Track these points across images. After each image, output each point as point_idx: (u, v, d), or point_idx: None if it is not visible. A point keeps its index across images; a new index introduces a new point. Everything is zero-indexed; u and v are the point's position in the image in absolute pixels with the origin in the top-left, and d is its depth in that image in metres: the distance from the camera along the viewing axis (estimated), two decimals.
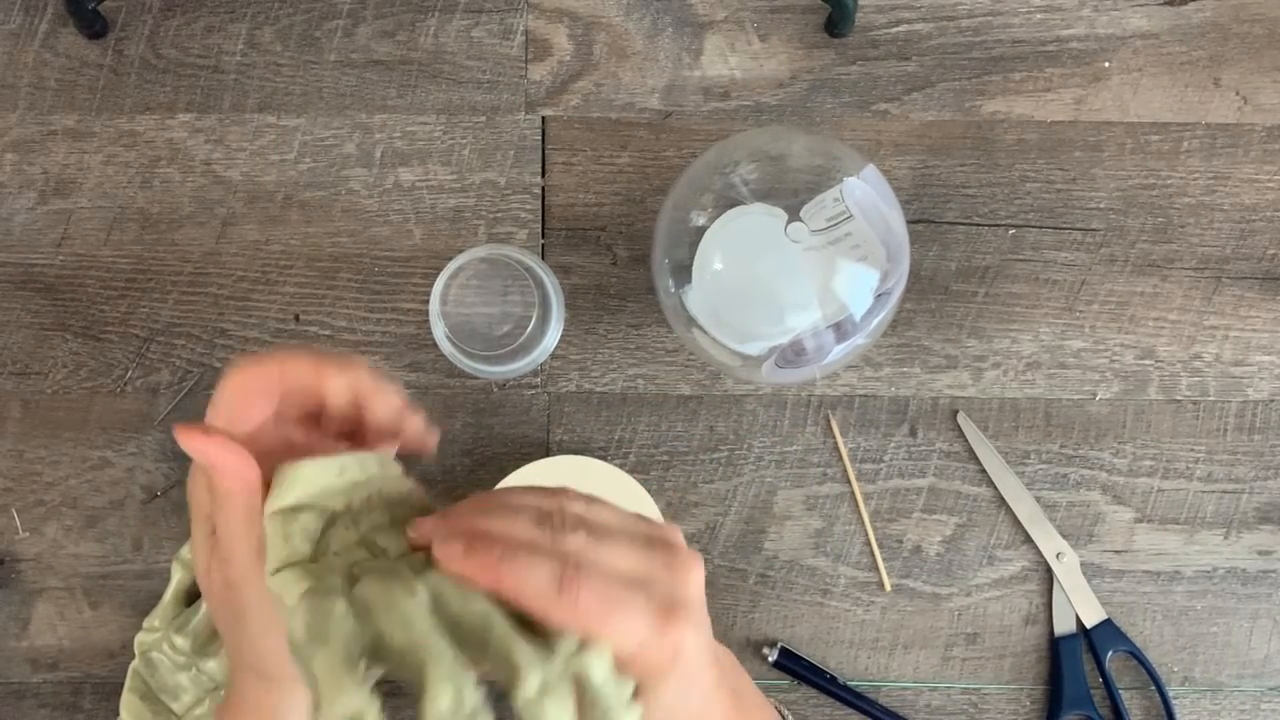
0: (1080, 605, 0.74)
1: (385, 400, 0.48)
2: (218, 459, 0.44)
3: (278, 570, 0.45)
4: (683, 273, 0.66)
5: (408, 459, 0.49)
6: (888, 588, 0.75)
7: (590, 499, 0.47)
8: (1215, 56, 0.76)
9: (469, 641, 0.44)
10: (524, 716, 0.44)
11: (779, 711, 0.59)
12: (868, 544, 0.75)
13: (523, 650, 0.43)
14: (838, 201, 0.64)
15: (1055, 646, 0.74)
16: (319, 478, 0.46)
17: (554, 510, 0.46)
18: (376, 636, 0.44)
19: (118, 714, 0.71)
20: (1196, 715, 0.75)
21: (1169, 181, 0.76)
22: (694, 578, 0.46)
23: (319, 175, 0.74)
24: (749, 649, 0.74)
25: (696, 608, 0.46)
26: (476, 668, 0.44)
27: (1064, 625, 0.74)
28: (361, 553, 0.47)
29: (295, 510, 0.45)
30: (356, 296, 0.74)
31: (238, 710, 0.50)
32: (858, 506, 0.74)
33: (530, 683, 0.43)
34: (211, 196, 0.74)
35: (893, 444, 0.75)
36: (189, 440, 0.44)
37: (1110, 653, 0.74)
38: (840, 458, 0.74)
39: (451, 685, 0.43)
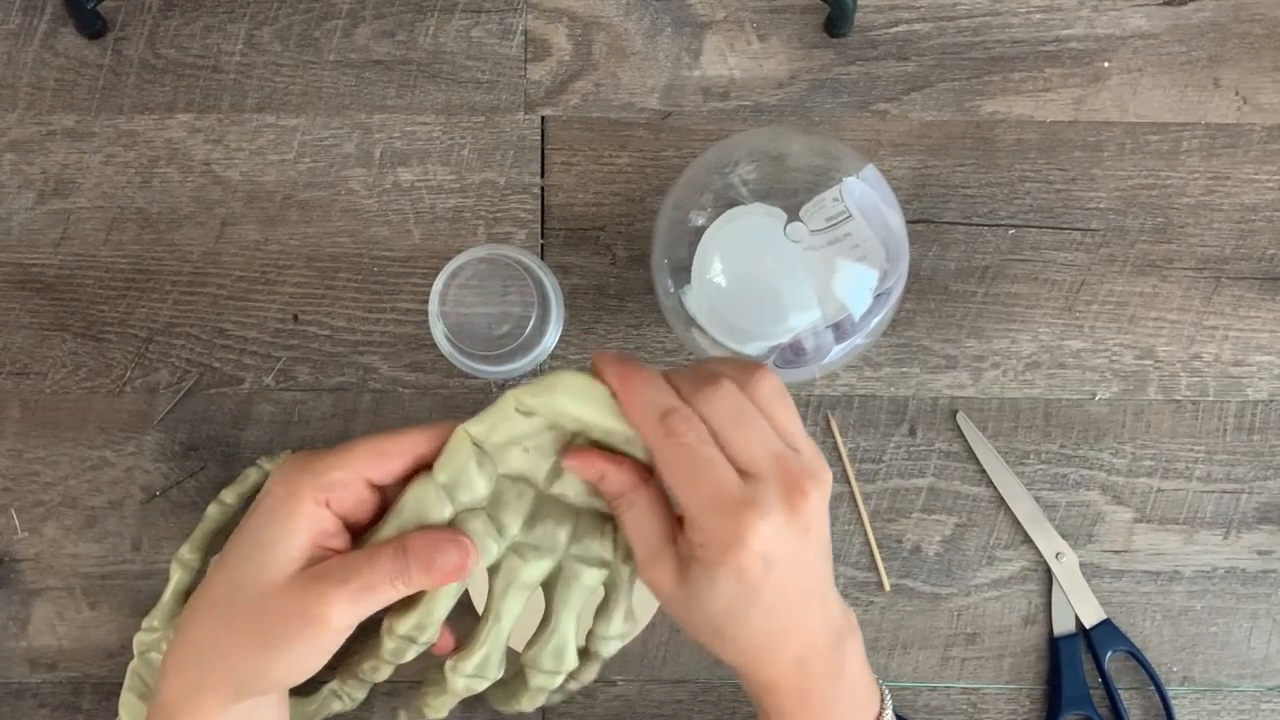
0: (1079, 605, 0.74)
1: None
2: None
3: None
4: (682, 273, 0.66)
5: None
6: (887, 587, 0.75)
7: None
8: (1215, 56, 0.76)
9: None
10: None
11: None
12: (867, 544, 0.75)
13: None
14: (837, 201, 0.64)
15: (1055, 646, 0.74)
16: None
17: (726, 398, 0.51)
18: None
19: (117, 714, 0.71)
20: (1196, 715, 0.75)
21: (1169, 181, 0.76)
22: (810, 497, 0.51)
23: (318, 175, 0.74)
24: None
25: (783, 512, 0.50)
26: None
27: (1063, 625, 0.74)
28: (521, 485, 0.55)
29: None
30: (356, 296, 0.74)
31: None
32: (857, 506, 0.74)
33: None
34: (211, 196, 0.74)
35: (892, 444, 0.75)
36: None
37: (1109, 653, 0.74)
38: (840, 458, 0.74)
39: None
